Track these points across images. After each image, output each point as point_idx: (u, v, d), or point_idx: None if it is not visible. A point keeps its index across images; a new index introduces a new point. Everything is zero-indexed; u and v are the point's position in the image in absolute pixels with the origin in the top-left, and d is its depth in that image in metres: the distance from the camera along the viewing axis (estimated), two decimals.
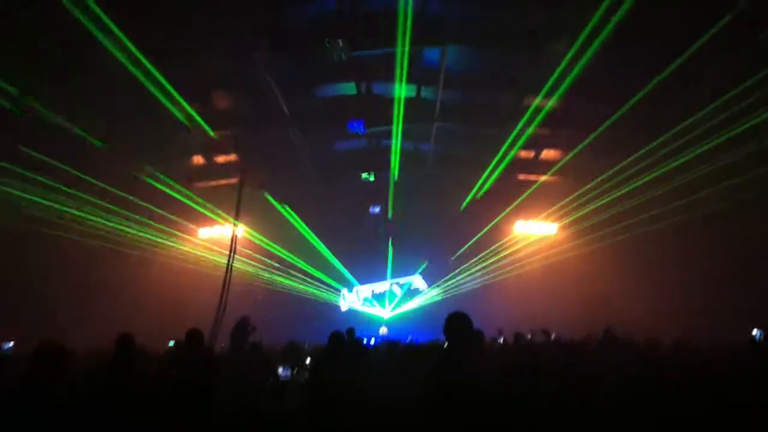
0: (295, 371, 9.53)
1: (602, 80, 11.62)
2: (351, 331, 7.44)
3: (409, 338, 16.11)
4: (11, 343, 10.38)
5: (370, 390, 5.10)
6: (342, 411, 4.71)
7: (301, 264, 21.69)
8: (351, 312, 23.81)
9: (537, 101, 13.06)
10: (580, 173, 16.56)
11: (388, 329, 23.48)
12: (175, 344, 8.18)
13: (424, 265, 23.79)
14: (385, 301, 24.77)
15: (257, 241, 20.52)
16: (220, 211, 17.36)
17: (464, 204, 19.67)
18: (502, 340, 11.70)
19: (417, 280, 24.77)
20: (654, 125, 13.15)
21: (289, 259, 21.29)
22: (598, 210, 17.91)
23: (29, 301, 15.61)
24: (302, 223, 19.22)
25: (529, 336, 10.89)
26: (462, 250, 20.42)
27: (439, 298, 23.26)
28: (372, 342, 16.43)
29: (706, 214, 15.16)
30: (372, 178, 18.56)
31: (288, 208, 17.34)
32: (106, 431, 3.68)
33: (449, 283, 23.09)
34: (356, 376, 5.18)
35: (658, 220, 16.32)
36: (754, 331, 12.62)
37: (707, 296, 15.23)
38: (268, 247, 20.77)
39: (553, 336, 11.43)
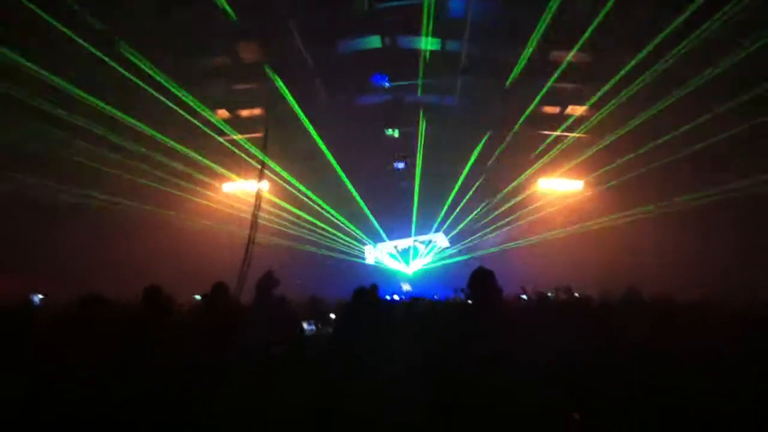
0: (319, 326, 9.64)
1: (633, 29, 11.30)
2: (374, 287, 7.50)
3: (436, 296, 16.10)
4: (40, 296, 10.56)
5: (390, 351, 5.10)
6: (360, 372, 4.73)
7: (327, 212, 21.79)
8: (375, 267, 23.98)
9: (564, 54, 12.83)
10: (607, 128, 16.21)
11: (411, 285, 23.67)
12: (203, 298, 8.25)
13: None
14: (408, 257, 24.93)
15: (283, 194, 20.63)
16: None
17: (491, 160, 19.49)
18: (525, 297, 11.58)
19: (439, 238, 24.84)
20: (686, 75, 12.75)
21: (314, 208, 21.38)
22: (624, 166, 17.68)
23: (52, 254, 15.95)
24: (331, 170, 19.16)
25: (550, 294, 10.75)
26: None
27: (462, 257, 23.30)
28: (396, 298, 16.53)
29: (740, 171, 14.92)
30: (396, 134, 18.42)
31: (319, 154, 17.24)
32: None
33: (473, 241, 23.10)
34: (376, 337, 5.17)
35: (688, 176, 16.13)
36: None
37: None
38: (294, 199, 20.86)
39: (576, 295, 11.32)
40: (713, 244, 16.67)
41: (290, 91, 14.21)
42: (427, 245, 25.25)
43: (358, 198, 21.34)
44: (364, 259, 24.72)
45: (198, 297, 10.04)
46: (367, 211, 22.48)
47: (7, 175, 14.34)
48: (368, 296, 5.77)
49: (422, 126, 17.19)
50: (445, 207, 22.87)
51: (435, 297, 15.04)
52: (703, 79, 12.46)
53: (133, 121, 14.47)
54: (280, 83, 13.65)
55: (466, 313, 4.41)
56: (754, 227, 16.14)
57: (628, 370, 4.35)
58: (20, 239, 15.83)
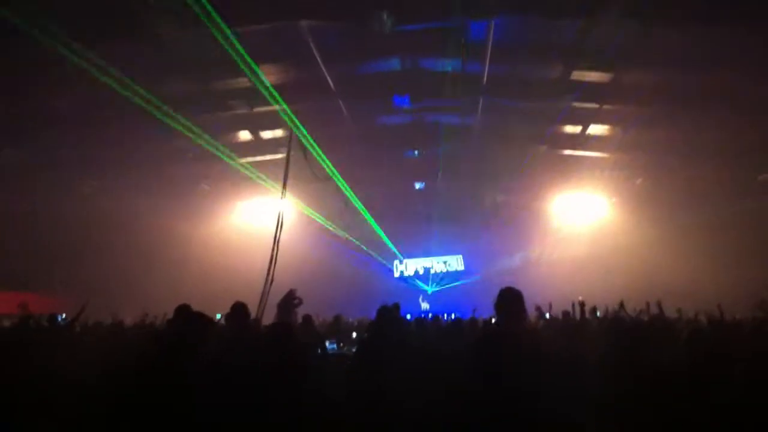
0: (341, 345, 9.65)
1: (656, 49, 11.26)
2: (397, 306, 7.44)
3: (453, 315, 16.02)
4: (63, 315, 10.67)
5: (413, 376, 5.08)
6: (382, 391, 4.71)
7: (349, 237, 21.87)
8: (395, 286, 24.05)
9: (586, 74, 12.81)
10: (629, 147, 16.14)
11: (430, 305, 23.67)
12: (224, 317, 8.30)
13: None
14: (428, 277, 24.99)
15: (304, 213, 20.78)
16: (267, 183, 17.45)
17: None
18: (548, 315, 11.35)
19: (456, 260, 24.92)
20: (709, 98, 12.69)
21: (335, 231, 21.47)
22: (651, 185, 17.62)
23: (77, 274, 16.16)
24: (350, 195, 19.23)
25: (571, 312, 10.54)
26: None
27: (479, 277, 23.22)
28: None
29: None
30: (416, 154, 18.48)
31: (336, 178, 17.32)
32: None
33: (492, 262, 22.99)
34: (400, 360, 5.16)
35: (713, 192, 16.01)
36: None
37: None
38: (315, 219, 20.99)
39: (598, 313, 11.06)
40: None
41: (312, 112, 14.34)
42: (445, 265, 25.32)
43: (372, 221, 21.43)
44: (390, 273, 24.93)
45: (219, 316, 10.13)
46: (381, 233, 22.54)
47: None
48: (391, 314, 5.76)
49: (443, 147, 17.26)
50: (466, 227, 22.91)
51: (451, 316, 14.99)
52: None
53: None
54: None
55: (492, 335, 4.37)
56: None
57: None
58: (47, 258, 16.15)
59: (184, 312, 4.95)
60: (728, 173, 16.11)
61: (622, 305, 9.08)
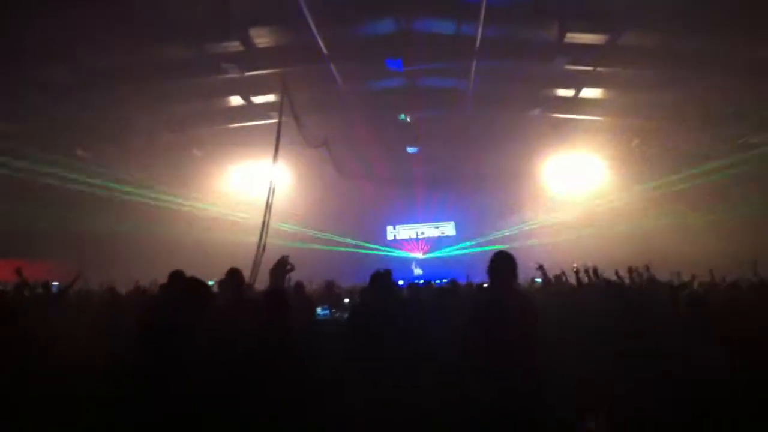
0: (334, 311, 9.66)
1: (651, 11, 11.12)
2: (389, 272, 7.40)
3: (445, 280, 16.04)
4: (57, 283, 10.64)
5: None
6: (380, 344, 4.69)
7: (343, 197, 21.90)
8: (386, 254, 24.12)
9: (580, 36, 12.67)
10: (625, 110, 16.05)
11: (426, 271, 23.74)
12: (218, 283, 8.27)
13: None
14: (421, 242, 25.07)
15: (297, 179, 20.76)
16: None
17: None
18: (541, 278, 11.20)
19: (449, 227, 24.99)
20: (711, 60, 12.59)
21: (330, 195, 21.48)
22: (646, 148, 17.62)
23: (70, 241, 16.10)
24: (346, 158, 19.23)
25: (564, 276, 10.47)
26: None
27: (475, 243, 23.26)
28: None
29: None
30: (408, 119, 18.34)
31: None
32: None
33: (485, 227, 23.02)
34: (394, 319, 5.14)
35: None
36: None
37: None
38: (309, 185, 20.98)
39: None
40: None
41: (303, 76, 14.18)
42: (438, 230, 25.40)
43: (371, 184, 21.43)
44: (383, 238, 25.06)
45: (212, 282, 10.15)
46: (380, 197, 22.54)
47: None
48: (385, 280, 5.73)
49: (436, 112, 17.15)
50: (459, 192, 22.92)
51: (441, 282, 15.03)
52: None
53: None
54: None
55: (486, 299, 4.36)
56: None
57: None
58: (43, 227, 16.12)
59: (178, 278, 4.89)
60: (723, 136, 16.08)
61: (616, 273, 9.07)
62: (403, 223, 25.40)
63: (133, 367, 3.59)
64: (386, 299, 5.42)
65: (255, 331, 4.22)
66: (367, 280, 5.62)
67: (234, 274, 6.10)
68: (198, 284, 4.10)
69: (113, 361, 4.15)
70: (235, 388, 3.64)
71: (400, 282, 15.29)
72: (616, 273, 8.28)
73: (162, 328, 3.76)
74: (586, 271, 8.37)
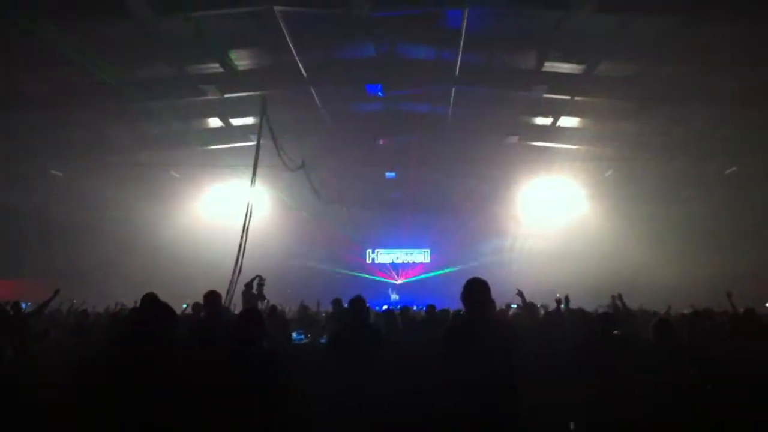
0: (309, 336, 9.57)
1: (631, 42, 11.34)
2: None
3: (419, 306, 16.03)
4: (29, 303, 10.48)
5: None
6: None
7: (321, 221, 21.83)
8: (364, 279, 24.08)
9: (558, 65, 12.86)
10: (602, 140, 16.27)
11: (401, 296, 23.74)
12: (192, 306, 8.18)
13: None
14: (398, 268, 25.13)
15: (275, 202, 20.70)
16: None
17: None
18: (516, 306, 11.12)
19: (424, 253, 25.13)
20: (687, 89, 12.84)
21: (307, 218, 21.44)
22: (621, 177, 17.86)
23: (47, 261, 15.91)
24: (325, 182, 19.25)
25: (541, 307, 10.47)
26: None
27: (451, 269, 23.33)
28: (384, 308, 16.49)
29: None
30: (387, 142, 18.44)
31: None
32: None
33: (462, 254, 23.09)
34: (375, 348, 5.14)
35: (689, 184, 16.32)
36: None
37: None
38: (286, 208, 20.92)
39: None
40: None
41: (283, 99, 14.22)
42: (413, 257, 25.51)
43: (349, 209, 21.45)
44: (362, 262, 24.97)
45: (185, 306, 10.04)
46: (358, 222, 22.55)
47: None
48: (361, 305, 5.73)
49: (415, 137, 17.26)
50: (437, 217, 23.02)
51: (418, 307, 15.03)
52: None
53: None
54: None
55: (460, 323, 4.37)
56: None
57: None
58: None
59: (149, 301, 4.86)
60: (698, 167, 16.39)
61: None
62: (381, 248, 25.43)
63: (97, 387, 3.58)
64: (366, 327, 5.40)
65: (230, 347, 4.19)
66: (345, 304, 5.63)
67: (211, 296, 6.11)
68: (162, 310, 4.12)
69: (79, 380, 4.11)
70: (204, 408, 3.62)
71: (385, 307, 15.32)
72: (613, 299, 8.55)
73: (127, 350, 3.76)
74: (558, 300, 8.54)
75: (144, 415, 3.33)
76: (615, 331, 5.69)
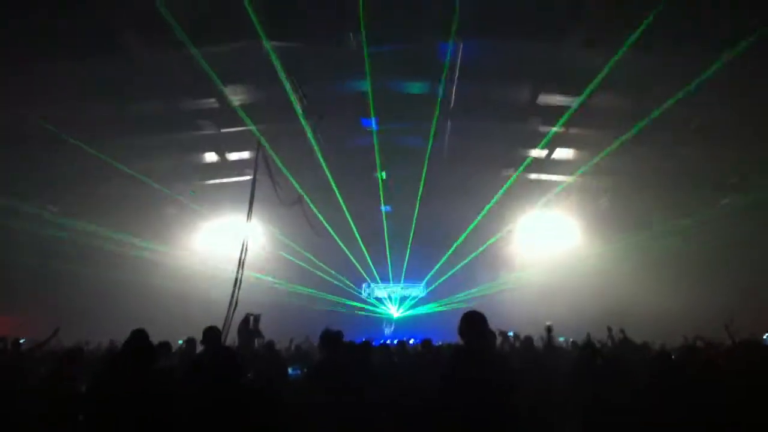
0: (304, 371, 9.47)
1: (627, 76, 11.48)
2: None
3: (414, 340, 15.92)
4: (24, 340, 10.41)
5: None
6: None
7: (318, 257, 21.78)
8: (359, 315, 23.99)
9: (554, 98, 13.00)
10: (595, 171, 16.35)
11: (396, 330, 23.63)
12: (186, 342, 8.12)
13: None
14: (394, 302, 25.03)
15: (272, 237, 20.65)
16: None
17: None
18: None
19: (420, 288, 25.04)
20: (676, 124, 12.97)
21: (302, 256, 21.36)
22: (612, 208, 17.92)
23: (41, 300, 15.83)
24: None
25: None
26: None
27: (446, 306, 23.23)
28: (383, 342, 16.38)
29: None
30: (384, 176, 18.47)
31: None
32: None
33: (457, 287, 23.02)
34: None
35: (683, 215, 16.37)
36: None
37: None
38: (283, 243, 20.86)
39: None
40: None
41: (279, 133, 14.29)
42: (411, 291, 25.41)
43: (342, 243, 21.44)
44: (355, 299, 24.77)
45: (180, 342, 9.96)
46: (349, 255, 22.51)
47: None
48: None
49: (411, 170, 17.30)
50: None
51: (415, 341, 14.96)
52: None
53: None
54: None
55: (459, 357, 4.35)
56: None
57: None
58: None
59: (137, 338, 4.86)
60: (692, 197, 16.47)
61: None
62: (376, 282, 25.31)
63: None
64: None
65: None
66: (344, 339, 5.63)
67: (210, 331, 6.09)
68: (140, 350, 4.17)
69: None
70: None
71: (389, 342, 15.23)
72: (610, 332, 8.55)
73: (106, 390, 3.79)
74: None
75: None
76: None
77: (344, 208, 19.33)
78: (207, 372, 4.15)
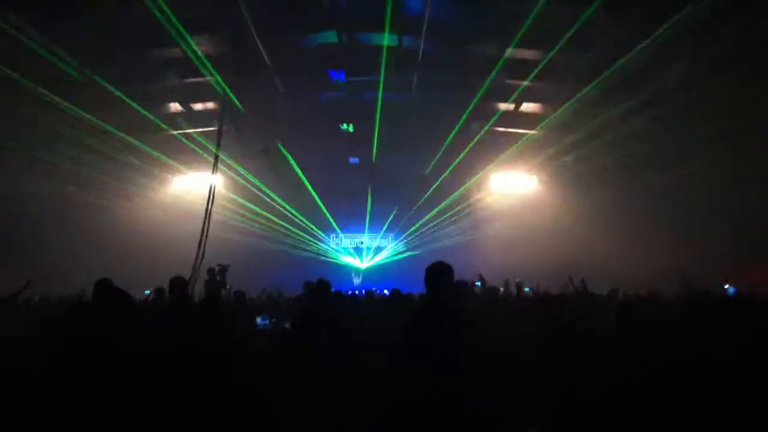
0: (274, 320, 9.55)
1: (592, 30, 11.49)
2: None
3: (384, 290, 16.11)
4: None
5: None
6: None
7: (284, 207, 21.77)
8: (330, 261, 24.16)
9: (521, 53, 13.00)
10: (561, 127, 16.49)
11: (364, 280, 23.88)
12: (155, 291, 8.13)
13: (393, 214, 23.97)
14: (362, 252, 25.20)
15: (238, 188, 20.51)
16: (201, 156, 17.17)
17: (432, 164, 19.75)
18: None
19: (388, 239, 25.24)
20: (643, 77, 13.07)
21: (270, 203, 21.30)
22: (578, 163, 18.14)
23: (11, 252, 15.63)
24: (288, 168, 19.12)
25: (502, 289, 10.70)
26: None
27: (414, 253, 23.50)
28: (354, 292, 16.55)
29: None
30: (351, 129, 18.40)
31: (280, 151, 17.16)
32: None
33: (424, 237, 23.26)
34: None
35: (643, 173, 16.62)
36: (727, 286, 12.77)
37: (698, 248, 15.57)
38: (250, 194, 20.73)
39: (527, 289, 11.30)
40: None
41: (246, 85, 14.08)
42: (378, 242, 25.60)
43: (314, 193, 21.40)
44: (321, 250, 24.93)
45: (147, 292, 9.95)
46: (323, 206, 22.53)
47: None
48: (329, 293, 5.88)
49: (378, 123, 17.22)
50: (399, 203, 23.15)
51: (382, 291, 15.16)
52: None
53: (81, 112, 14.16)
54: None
55: (423, 307, 4.41)
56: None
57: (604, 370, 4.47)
58: None
59: (101, 287, 4.85)
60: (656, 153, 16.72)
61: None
62: (345, 232, 25.45)
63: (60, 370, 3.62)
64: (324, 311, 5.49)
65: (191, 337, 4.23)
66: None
67: (177, 281, 6.11)
68: (114, 295, 4.17)
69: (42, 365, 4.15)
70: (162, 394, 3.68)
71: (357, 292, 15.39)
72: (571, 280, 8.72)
73: (83, 335, 3.82)
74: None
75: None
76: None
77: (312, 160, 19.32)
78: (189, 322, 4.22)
